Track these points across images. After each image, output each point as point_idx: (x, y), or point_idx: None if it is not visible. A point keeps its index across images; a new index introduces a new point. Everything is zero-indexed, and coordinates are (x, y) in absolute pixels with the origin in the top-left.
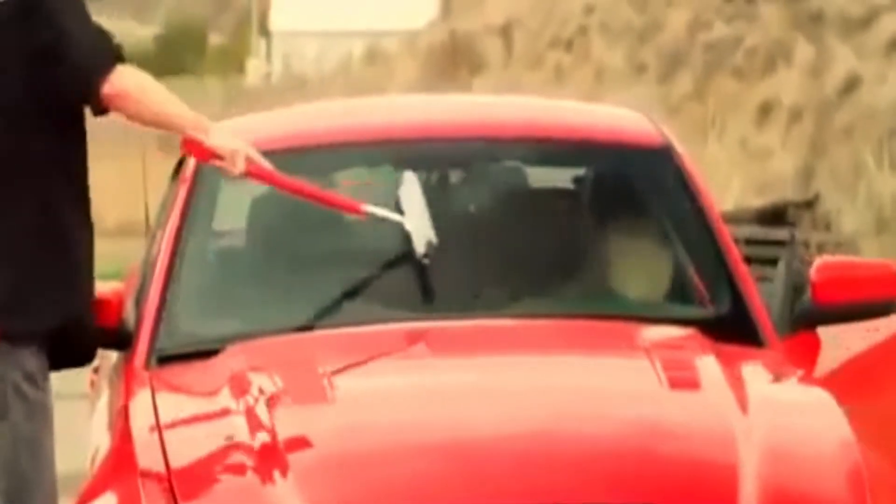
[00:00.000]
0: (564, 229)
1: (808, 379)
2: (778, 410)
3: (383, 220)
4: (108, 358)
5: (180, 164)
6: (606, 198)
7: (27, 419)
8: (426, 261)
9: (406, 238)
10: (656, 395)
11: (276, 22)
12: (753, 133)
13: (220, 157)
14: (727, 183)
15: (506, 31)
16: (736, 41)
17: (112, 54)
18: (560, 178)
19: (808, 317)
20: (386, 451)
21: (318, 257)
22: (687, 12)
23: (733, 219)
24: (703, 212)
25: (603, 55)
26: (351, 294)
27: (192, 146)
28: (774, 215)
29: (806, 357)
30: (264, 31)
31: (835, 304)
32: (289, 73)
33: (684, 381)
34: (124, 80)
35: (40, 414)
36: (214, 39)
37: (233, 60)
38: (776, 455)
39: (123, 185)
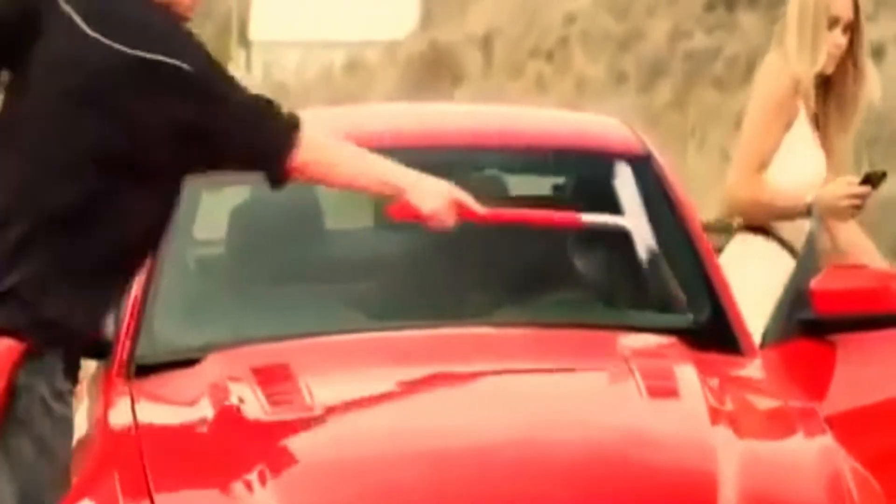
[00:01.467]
0: (544, 238)
1: (788, 386)
2: (757, 419)
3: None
4: (87, 368)
5: None
6: (586, 206)
7: (52, 433)
8: (647, 266)
9: (387, 246)
10: (636, 403)
11: (256, 31)
12: (734, 143)
13: (427, 218)
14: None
15: (486, 41)
16: (716, 51)
17: (292, 126)
18: (540, 186)
19: (806, 325)
20: (365, 460)
21: (298, 266)
22: (667, 22)
23: (714, 228)
24: (684, 221)
25: (583, 65)
26: (331, 303)
27: (396, 212)
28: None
29: (804, 365)
30: (244, 41)
31: (834, 314)
32: (269, 82)
33: (664, 389)
34: (308, 153)
35: (64, 427)
36: None
37: None
38: (756, 463)
39: None
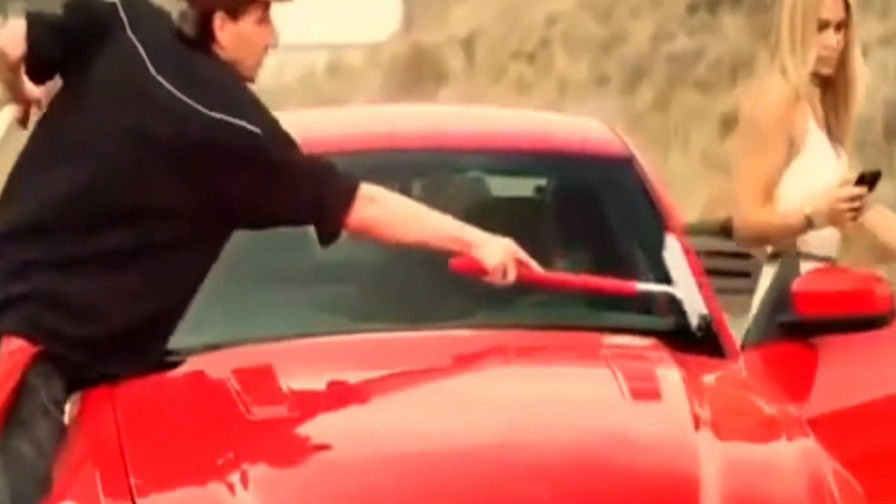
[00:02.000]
0: (526, 239)
1: (770, 388)
2: (739, 421)
3: (654, 294)
4: None
5: None
6: (568, 208)
7: (48, 437)
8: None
9: (369, 249)
10: (618, 405)
11: None
12: (716, 145)
13: (490, 273)
14: (690, 195)
15: (469, 43)
16: (699, 53)
17: (350, 189)
18: (522, 187)
19: (788, 327)
20: (347, 462)
21: (280, 269)
22: (650, 24)
23: (696, 231)
24: (666, 222)
25: (566, 67)
26: (313, 305)
27: (459, 265)
28: None
29: (785, 366)
30: None
31: (816, 316)
32: (250, 84)
33: (646, 391)
34: (366, 211)
35: (59, 434)
36: None
37: None
38: (737, 465)
39: None
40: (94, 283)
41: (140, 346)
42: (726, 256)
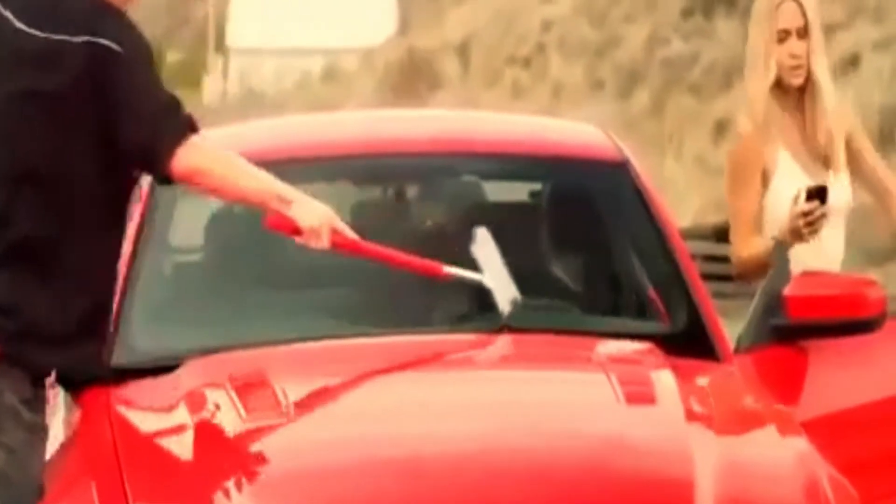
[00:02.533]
0: (521, 244)
1: (763, 392)
2: (734, 424)
3: (464, 280)
4: None
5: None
6: (563, 212)
7: (23, 442)
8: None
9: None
10: (613, 409)
11: (233, 39)
12: (711, 149)
13: (302, 233)
14: (684, 199)
15: (463, 48)
16: (693, 58)
17: (182, 125)
18: (517, 192)
19: (780, 331)
20: (342, 467)
21: (276, 272)
22: (644, 29)
23: (691, 235)
24: (661, 227)
25: (560, 71)
26: (307, 310)
27: (273, 222)
28: None
29: (777, 370)
30: (221, 48)
31: (808, 319)
32: (246, 90)
33: (640, 395)
34: (192, 158)
35: (36, 436)
36: (172, 56)
37: (190, 77)
38: (732, 468)
39: None
40: (11, 273)
41: (77, 341)
42: (721, 261)
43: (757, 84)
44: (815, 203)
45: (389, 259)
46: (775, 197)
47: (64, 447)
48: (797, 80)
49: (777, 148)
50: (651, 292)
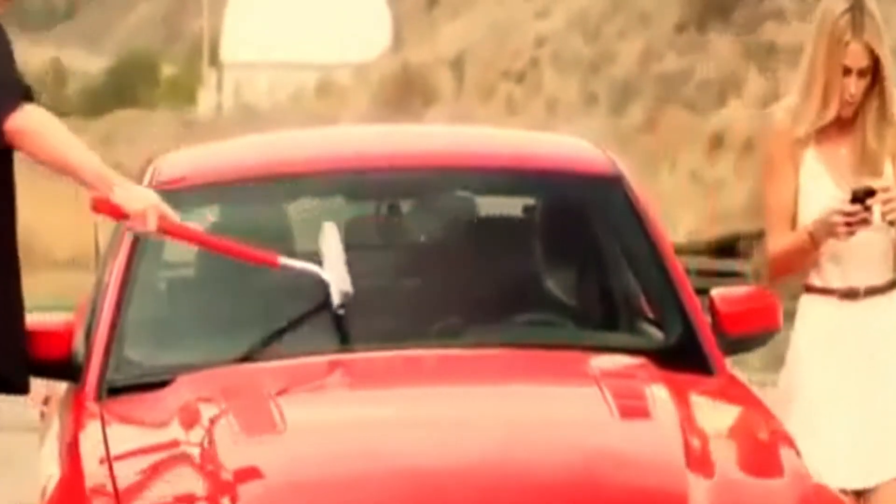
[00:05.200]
0: (515, 259)
1: (758, 406)
2: (728, 438)
3: (298, 271)
4: (58, 390)
5: None
6: (557, 227)
7: None
8: (341, 311)
9: (357, 268)
10: (606, 424)
11: (228, 53)
12: (705, 165)
13: (128, 217)
14: (679, 214)
15: (457, 63)
16: (687, 73)
17: (18, 92)
18: (510, 207)
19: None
20: (335, 481)
21: (268, 288)
22: (639, 44)
23: (685, 250)
24: (655, 242)
25: (555, 87)
26: (301, 325)
27: (100, 205)
28: (726, 247)
29: None
30: (215, 63)
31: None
32: (240, 104)
33: (634, 410)
34: (25, 119)
35: None
36: (166, 70)
37: (185, 92)
38: (727, 483)
39: (75, 217)
40: None
41: None
42: (715, 275)
43: (810, 108)
44: (859, 206)
45: (221, 248)
46: (814, 194)
47: (58, 463)
48: (845, 113)
49: (806, 146)
50: (645, 307)
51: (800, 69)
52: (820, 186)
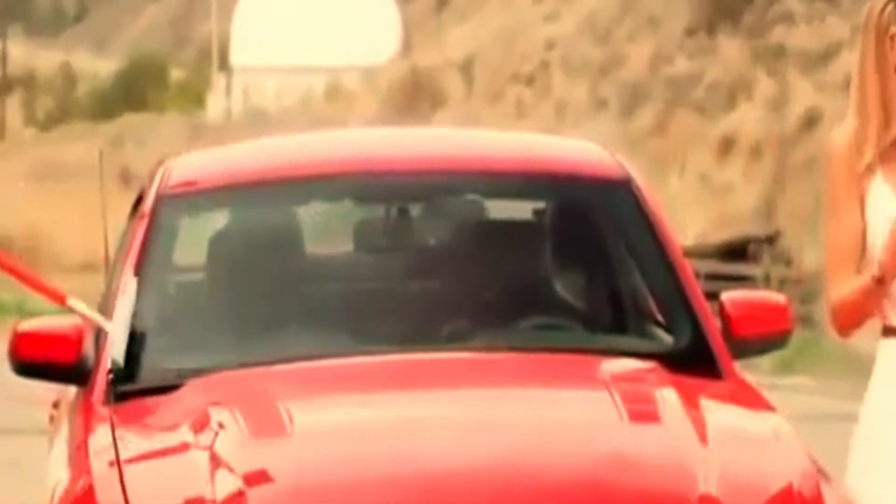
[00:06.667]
0: (524, 262)
1: (768, 410)
2: (738, 442)
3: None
4: (67, 393)
5: (139, 199)
6: (566, 230)
7: None
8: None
9: (367, 271)
10: (616, 428)
11: (237, 57)
12: (714, 168)
13: None
14: (688, 218)
15: (466, 67)
16: (697, 76)
17: None
18: (520, 211)
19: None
20: (344, 485)
21: (278, 292)
22: (648, 47)
23: (694, 253)
24: (664, 245)
25: (564, 90)
26: (311, 328)
27: None
28: (735, 250)
29: None
30: (224, 66)
31: (743, 338)
32: (249, 108)
33: (644, 414)
34: None
35: None
36: (175, 74)
37: (193, 95)
38: (736, 487)
39: (86, 221)
40: None
41: None
42: (724, 279)
43: (870, 129)
44: None
45: (17, 275)
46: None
47: (67, 466)
48: None
49: (873, 174)
50: (654, 310)
51: (852, 86)
52: (892, 208)
